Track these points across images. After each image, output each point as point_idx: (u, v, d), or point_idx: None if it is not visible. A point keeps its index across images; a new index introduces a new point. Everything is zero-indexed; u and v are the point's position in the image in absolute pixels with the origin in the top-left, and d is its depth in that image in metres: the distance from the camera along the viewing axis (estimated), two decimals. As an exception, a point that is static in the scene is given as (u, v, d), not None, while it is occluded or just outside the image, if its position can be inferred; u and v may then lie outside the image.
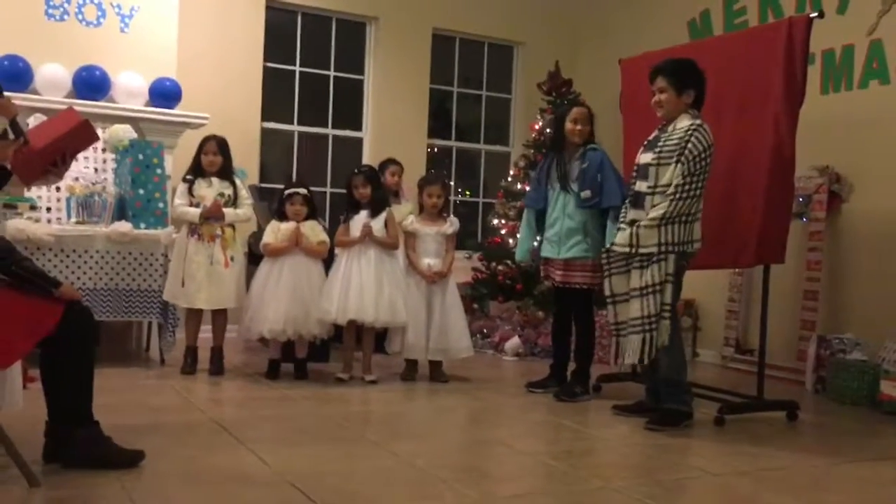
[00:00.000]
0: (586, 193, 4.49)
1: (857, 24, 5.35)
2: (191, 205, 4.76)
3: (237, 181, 4.93)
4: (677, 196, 3.77)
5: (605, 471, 3.22)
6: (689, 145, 3.80)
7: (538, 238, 4.85)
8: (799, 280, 5.47)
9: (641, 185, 3.96)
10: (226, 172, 4.86)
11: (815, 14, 4.27)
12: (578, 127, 4.58)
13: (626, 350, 3.88)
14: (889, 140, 5.12)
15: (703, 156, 3.80)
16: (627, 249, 3.85)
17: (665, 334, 3.79)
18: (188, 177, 4.84)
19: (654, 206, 3.84)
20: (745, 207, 4.01)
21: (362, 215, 4.81)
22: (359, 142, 7.23)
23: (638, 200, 3.96)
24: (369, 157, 6.92)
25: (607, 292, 4.00)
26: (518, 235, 5.05)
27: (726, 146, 4.10)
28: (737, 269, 5.76)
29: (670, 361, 3.94)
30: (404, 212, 5.31)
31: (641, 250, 3.81)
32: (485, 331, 6.36)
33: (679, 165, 3.79)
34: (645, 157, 3.99)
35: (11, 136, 2.75)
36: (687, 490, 3.04)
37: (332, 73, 7.14)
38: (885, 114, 5.16)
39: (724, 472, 3.23)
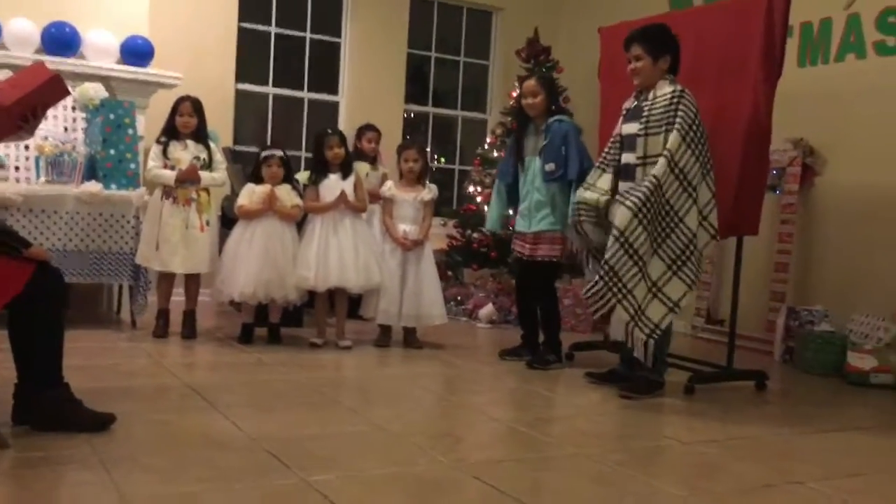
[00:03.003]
0: (550, 166, 4.47)
1: (836, -1, 5.36)
2: (165, 167, 4.69)
3: (212, 144, 4.86)
4: (671, 160, 3.70)
5: (578, 438, 3.25)
6: (681, 112, 3.75)
7: (510, 210, 4.86)
8: (770, 252, 5.53)
9: (629, 157, 3.93)
10: (200, 135, 4.79)
11: (796, -14, 4.25)
12: (529, 101, 4.56)
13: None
14: (863, 114, 5.16)
15: (696, 122, 3.77)
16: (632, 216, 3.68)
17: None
18: (162, 139, 4.76)
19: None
20: (719, 178, 4.02)
21: (332, 178, 4.77)
22: (334, 106, 7.15)
23: (627, 172, 3.94)
24: (345, 122, 6.86)
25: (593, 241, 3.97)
26: (490, 209, 5.04)
27: (703, 117, 4.10)
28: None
29: None
30: (374, 177, 5.32)
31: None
32: (459, 298, 6.36)
33: (674, 133, 3.73)
34: (629, 128, 3.96)
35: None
36: (658, 457, 3.08)
37: (308, 35, 7.03)
38: (860, 88, 5.19)
39: (694, 440, 3.28)
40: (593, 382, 4.20)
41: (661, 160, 3.74)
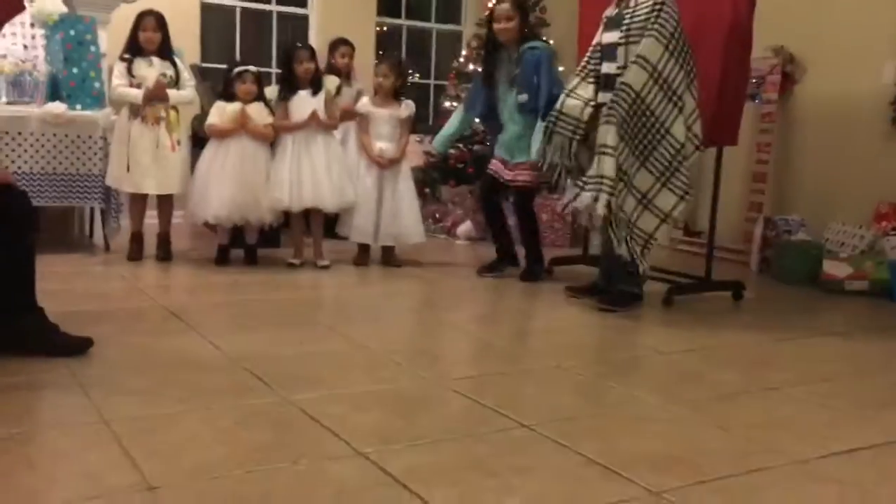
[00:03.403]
0: (523, 97, 4.38)
1: None
2: (131, 86, 4.54)
3: (177, 61, 4.70)
4: (654, 69, 3.63)
5: (558, 351, 3.27)
6: (661, 20, 3.65)
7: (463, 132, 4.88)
8: (748, 162, 5.52)
9: (609, 67, 3.84)
10: (165, 51, 4.62)
11: None
12: (501, 25, 4.42)
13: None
14: (844, 21, 5.08)
15: (678, 30, 3.67)
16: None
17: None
18: (126, 56, 4.59)
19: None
20: (700, 88, 3.95)
21: (302, 95, 4.64)
22: (304, 19, 6.93)
23: (608, 83, 3.84)
24: (316, 36, 6.66)
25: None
26: (447, 125, 4.96)
27: (683, 26, 4.00)
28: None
29: None
30: (348, 94, 5.19)
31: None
32: (437, 215, 6.33)
33: (651, 40, 3.64)
34: (610, 37, 3.86)
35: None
36: (637, 367, 3.12)
37: (274, -55, 6.76)
38: (842, -7, 5.09)
39: (673, 350, 3.31)
40: (572, 296, 4.22)
41: (635, 67, 3.65)
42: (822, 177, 5.27)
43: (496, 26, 4.47)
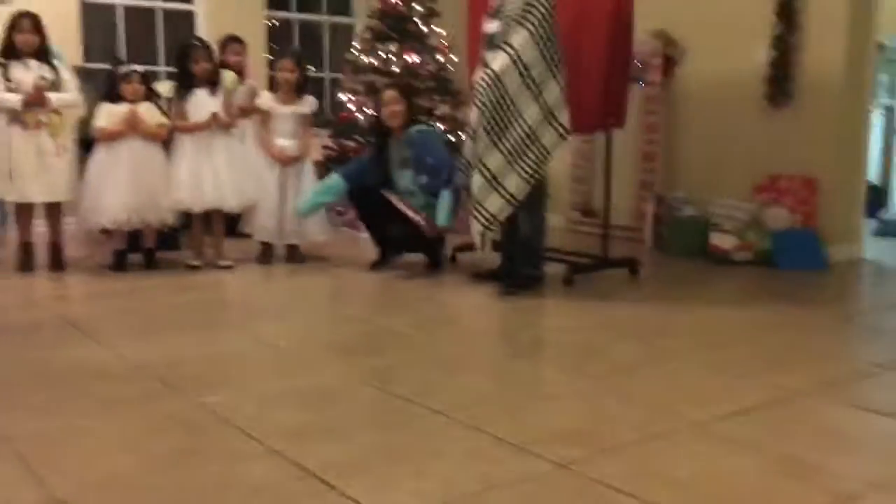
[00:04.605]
0: (422, 178, 4.45)
1: None
2: (8, 91, 4.34)
3: (57, 63, 4.51)
4: (516, 56, 3.73)
5: (468, 336, 3.34)
6: (534, 10, 3.74)
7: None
8: (637, 143, 5.72)
9: (490, 56, 3.92)
10: (43, 53, 4.44)
11: None
12: (389, 110, 4.50)
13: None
14: (719, 4, 5.32)
15: (548, 19, 3.76)
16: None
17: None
18: (0, 60, 4.39)
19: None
20: (586, 74, 4.08)
21: (199, 94, 4.55)
22: (191, 15, 6.76)
23: None
24: (203, 32, 6.51)
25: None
26: (314, 189, 4.80)
27: (565, 13, 4.11)
28: (583, 137, 5.94)
29: (532, 226, 4.06)
30: (242, 92, 5.10)
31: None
32: (339, 209, 6.30)
33: (523, 30, 3.73)
34: (491, 27, 3.94)
35: None
36: (543, 347, 3.22)
37: (155, -61, 6.56)
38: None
39: (575, 327, 3.43)
40: (477, 282, 4.30)
41: (502, 54, 3.77)
42: (706, 154, 5.52)
43: (384, 111, 4.54)
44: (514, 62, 3.74)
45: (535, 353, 3.11)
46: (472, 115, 3.85)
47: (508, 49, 3.75)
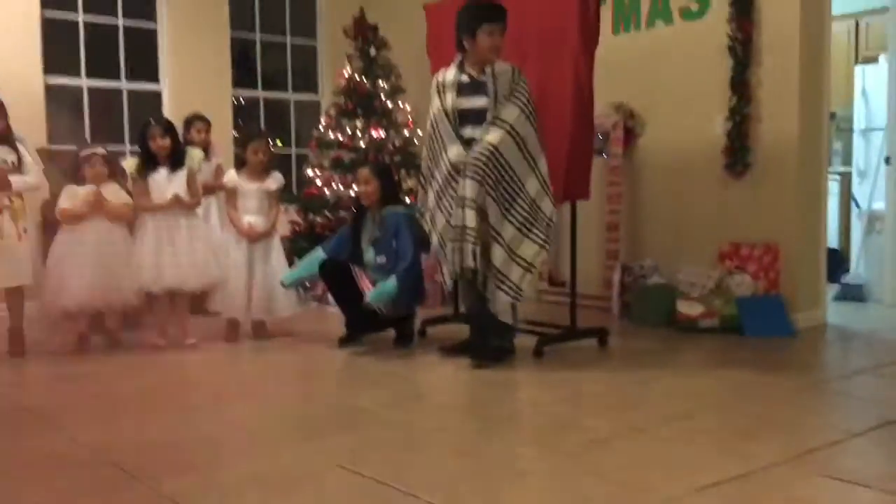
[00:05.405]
0: (381, 259, 4.50)
1: (643, -33, 5.64)
2: (-32, 174, 4.30)
3: (19, 146, 4.49)
4: (511, 129, 3.89)
5: (437, 412, 3.30)
6: (521, 87, 3.96)
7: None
8: (602, 213, 5.80)
9: (476, 131, 3.96)
10: (5, 136, 4.42)
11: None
12: (362, 188, 4.56)
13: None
14: (674, 76, 5.49)
15: (531, 97, 3.98)
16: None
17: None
18: (-39, 144, 4.35)
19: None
20: (551, 148, 4.15)
21: (161, 172, 4.56)
22: (157, 95, 6.81)
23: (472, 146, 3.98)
24: (170, 111, 6.55)
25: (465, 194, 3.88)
26: (299, 262, 4.86)
27: (531, 89, 4.21)
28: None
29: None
30: (207, 169, 5.13)
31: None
32: (307, 283, 6.26)
33: (512, 105, 3.92)
34: (473, 101, 3.99)
35: None
36: (515, 421, 3.18)
37: (120, 21, 6.63)
38: (670, 51, 5.51)
39: (547, 400, 3.41)
40: (447, 355, 4.27)
41: (495, 129, 3.90)
42: (669, 223, 5.60)
43: (357, 189, 4.61)
44: (511, 136, 3.90)
45: (506, 428, 3.07)
46: (465, 186, 3.84)
47: (503, 124, 3.90)
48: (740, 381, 3.71)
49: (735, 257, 5.14)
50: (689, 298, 5.03)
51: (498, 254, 3.90)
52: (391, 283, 4.26)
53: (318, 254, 4.71)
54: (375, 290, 4.27)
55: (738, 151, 5.15)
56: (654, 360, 4.27)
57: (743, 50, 5.09)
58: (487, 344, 4.11)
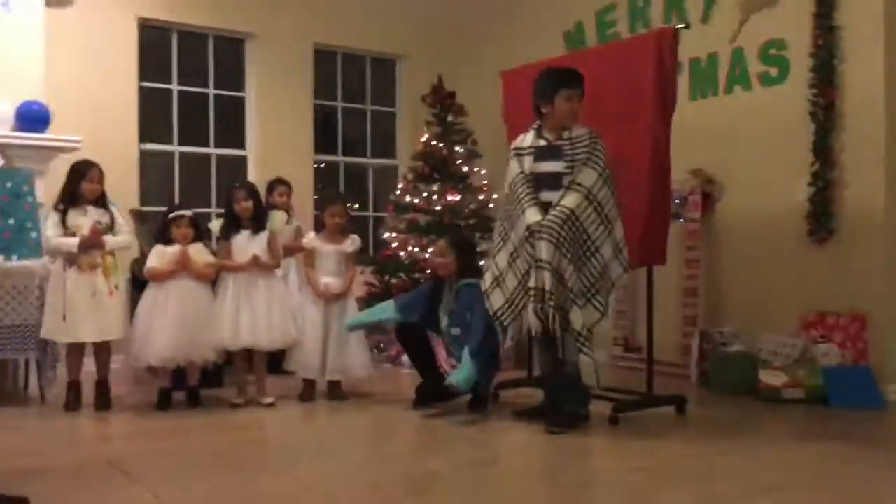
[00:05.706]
0: (456, 331, 4.52)
1: (720, 34, 5.65)
2: (65, 235, 4.53)
3: (112, 208, 4.72)
4: (588, 192, 3.91)
5: (510, 479, 3.26)
6: (597, 151, 3.98)
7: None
8: (679, 278, 5.71)
9: (552, 195, 3.98)
10: (101, 200, 4.67)
11: (682, 25, 4.49)
12: (439, 260, 4.63)
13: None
14: (753, 141, 5.43)
15: (607, 163, 3.99)
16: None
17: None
18: (60, 206, 4.61)
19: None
20: (627, 213, 4.15)
21: (244, 234, 4.72)
22: (243, 160, 7.08)
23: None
24: (255, 176, 6.79)
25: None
26: (371, 308, 5.03)
27: (607, 154, 4.23)
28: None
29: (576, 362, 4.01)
30: (287, 231, 5.28)
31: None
32: (381, 345, 6.33)
33: (589, 169, 3.94)
34: (549, 166, 4.02)
35: None
36: (588, 490, 3.12)
37: (211, 91, 6.97)
38: (748, 117, 5.47)
39: (621, 469, 3.33)
40: (520, 420, 4.23)
41: (574, 193, 3.91)
42: (750, 289, 5.47)
43: (435, 262, 4.70)
44: (589, 200, 3.92)
45: (580, 496, 3.01)
46: (540, 248, 3.86)
47: (580, 188, 3.93)
48: (825, 455, 3.56)
49: (820, 326, 4.98)
50: (772, 367, 4.87)
51: (577, 317, 3.87)
52: (470, 367, 4.17)
53: (388, 306, 4.80)
54: (458, 375, 4.19)
55: (822, 217, 5.04)
56: (736, 430, 4.14)
57: (825, 115, 5.03)
58: (562, 409, 4.06)
